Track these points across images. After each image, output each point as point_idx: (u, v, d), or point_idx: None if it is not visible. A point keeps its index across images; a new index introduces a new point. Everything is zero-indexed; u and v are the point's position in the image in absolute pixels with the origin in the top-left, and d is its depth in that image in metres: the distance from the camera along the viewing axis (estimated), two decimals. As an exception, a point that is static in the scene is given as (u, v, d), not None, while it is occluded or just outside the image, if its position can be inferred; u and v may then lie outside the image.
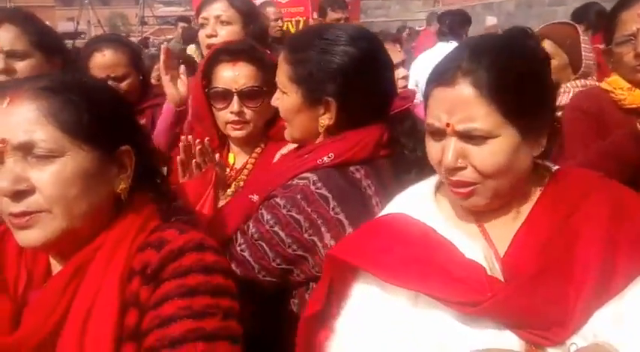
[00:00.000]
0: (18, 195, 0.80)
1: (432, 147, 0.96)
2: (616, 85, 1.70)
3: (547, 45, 2.07)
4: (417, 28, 10.68)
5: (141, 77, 2.09)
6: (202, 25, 1.98)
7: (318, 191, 1.15)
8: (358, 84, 1.19)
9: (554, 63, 1.99)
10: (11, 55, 1.46)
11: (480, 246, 0.95)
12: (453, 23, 4.38)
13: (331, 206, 1.14)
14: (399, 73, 2.11)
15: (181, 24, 7.90)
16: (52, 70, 1.47)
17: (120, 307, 0.80)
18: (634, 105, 1.65)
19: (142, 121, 2.04)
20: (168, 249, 0.83)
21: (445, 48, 4.01)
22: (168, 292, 0.80)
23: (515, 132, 0.90)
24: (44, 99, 0.82)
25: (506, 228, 0.97)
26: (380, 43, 1.29)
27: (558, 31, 2.17)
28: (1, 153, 0.81)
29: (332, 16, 4.01)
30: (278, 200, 1.16)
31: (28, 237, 0.82)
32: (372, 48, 1.23)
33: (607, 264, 0.87)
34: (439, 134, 0.93)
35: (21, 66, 1.47)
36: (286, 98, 1.23)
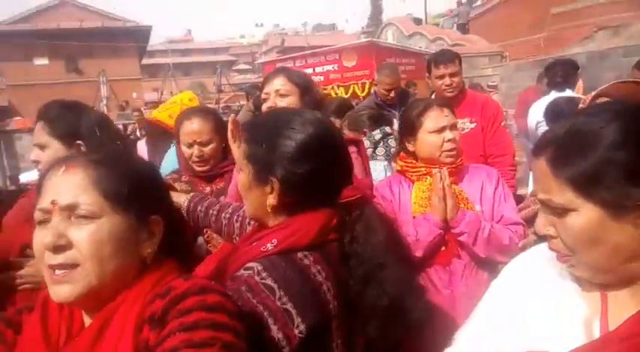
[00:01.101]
0: (58, 249, 0.90)
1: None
2: None
3: None
4: (487, 84, 10.70)
5: (223, 144, 2.25)
6: (264, 100, 2.14)
7: (262, 281, 1.10)
8: (302, 168, 1.18)
9: None
10: (39, 146, 1.74)
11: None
12: (565, 72, 4.36)
13: (277, 296, 1.08)
14: (446, 135, 2.11)
15: (254, 92, 8.36)
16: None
17: None
18: None
19: (221, 184, 2.20)
20: (173, 295, 0.89)
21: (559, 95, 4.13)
22: (171, 329, 0.85)
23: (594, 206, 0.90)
24: (93, 169, 0.95)
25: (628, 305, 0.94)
26: (333, 132, 1.30)
27: (623, 90, 2.08)
28: (49, 212, 0.93)
29: (436, 72, 3.51)
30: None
31: (61, 292, 0.91)
32: (322, 136, 1.23)
33: None
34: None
35: (44, 156, 1.71)
36: (241, 174, 1.26)
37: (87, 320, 0.96)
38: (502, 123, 3.63)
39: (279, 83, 2.10)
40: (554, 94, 4.27)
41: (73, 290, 0.90)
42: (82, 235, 0.91)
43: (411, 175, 2.18)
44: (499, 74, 13.21)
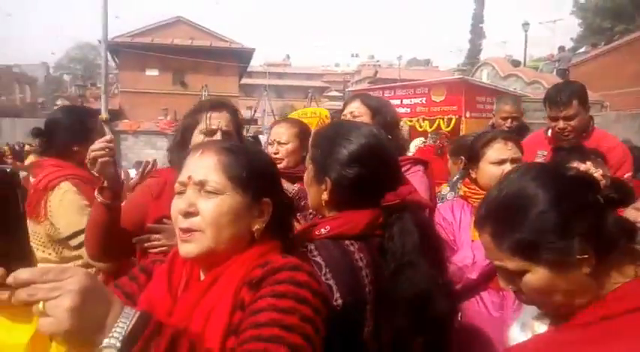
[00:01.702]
0: (187, 215, 1.12)
1: None
2: None
3: None
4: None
5: (304, 153, 2.56)
6: None
7: (313, 258, 1.32)
8: (351, 172, 1.41)
9: None
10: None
11: None
12: None
13: (323, 272, 1.30)
14: (505, 168, 2.15)
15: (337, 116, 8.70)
16: None
17: (230, 309, 1.04)
18: None
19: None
20: (270, 267, 1.07)
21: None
22: (264, 294, 1.02)
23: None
24: (222, 155, 1.17)
25: None
26: (384, 145, 1.51)
27: None
28: (185, 185, 1.15)
29: (550, 113, 3.05)
30: None
31: (187, 249, 1.11)
32: (372, 147, 1.45)
33: None
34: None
35: None
36: (306, 173, 1.53)
37: (202, 276, 1.17)
38: (628, 175, 2.92)
39: (354, 106, 2.44)
40: None
41: (194, 249, 1.11)
42: (208, 206, 1.11)
43: (473, 201, 2.30)
44: (597, 124, 12.64)
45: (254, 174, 1.17)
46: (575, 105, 2.86)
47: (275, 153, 2.50)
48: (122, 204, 1.95)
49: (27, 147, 13.50)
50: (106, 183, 1.74)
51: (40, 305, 0.75)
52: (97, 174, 1.74)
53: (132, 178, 3.31)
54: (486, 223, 1.09)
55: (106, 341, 0.77)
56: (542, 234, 1.01)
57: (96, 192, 1.76)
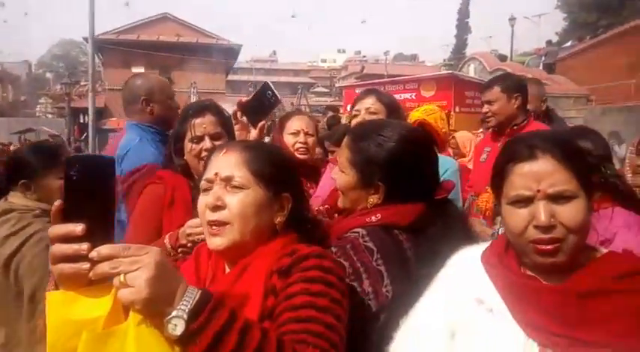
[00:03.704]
0: (215, 208, 1.18)
1: (518, 216, 1.10)
2: None
3: None
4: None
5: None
6: (355, 116, 2.41)
7: (365, 243, 1.34)
8: (403, 174, 1.41)
9: None
10: None
11: None
12: None
13: (375, 257, 1.31)
14: None
15: (330, 113, 8.72)
16: None
17: (263, 295, 1.10)
18: None
19: None
20: (298, 255, 1.13)
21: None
22: (295, 280, 1.09)
23: (584, 193, 1.08)
24: (245, 153, 1.23)
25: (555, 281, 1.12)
26: (427, 142, 1.51)
27: None
28: (212, 182, 1.21)
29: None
30: (333, 248, 1.36)
31: (217, 242, 1.18)
32: (419, 147, 1.47)
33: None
34: (526, 201, 1.09)
35: None
36: (344, 176, 1.48)
37: (227, 269, 1.23)
38: None
39: (369, 102, 2.37)
40: None
41: (223, 241, 1.17)
42: (234, 200, 1.18)
43: None
44: (583, 117, 12.80)
45: (275, 170, 1.24)
46: (496, 90, 3.09)
47: (304, 144, 2.49)
48: (132, 216, 1.94)
49: (12, 147, 13.33)
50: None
51: (121, 277, 0.85)
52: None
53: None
54: (552, 148, 1.10)
55: (174, 312, 0.87)
56: (586, 169, 1.11)
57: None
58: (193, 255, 1.31)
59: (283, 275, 1.11)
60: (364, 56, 74.49)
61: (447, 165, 3.01)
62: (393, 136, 1.44)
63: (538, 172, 1.09)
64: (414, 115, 3.43)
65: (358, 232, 1.38)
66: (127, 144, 2.56)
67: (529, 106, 3.47)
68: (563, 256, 1.08)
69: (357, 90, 10.04)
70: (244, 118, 1.85)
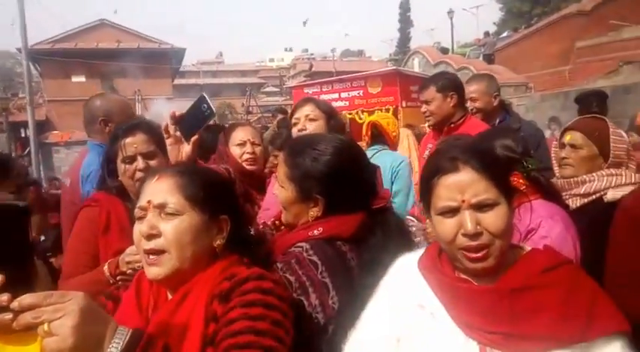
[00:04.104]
0: (150, 237, 1.17)
1: (447, 225, 1.17)
2: None
3: (577, 137, 2.19)
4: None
5: None
6: (295, 124, 2.45)
7: (309, 257, 1.37)
8: (341, 186, 1.45)
9: (582, 153, 2.19)
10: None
11: None
12: (600, 102, 4.61)
13: (319, 270, 1.35)
14: None
15: (280, 115, 8.70)
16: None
17: (204, 322, 1.10)
18: None
19: None
20: (237, 278, 1.14)
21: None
22: (234, 304, 1.10)
23: (505, 199, 1.16)
24: (178, 178, 1.22)
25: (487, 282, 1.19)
26: (361, 153, 1.57)
27: (588, 124, 2.26)
28: (146, 209, 1.20)
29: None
30: (278, 264, 1.39)
31: (154, 272, 1.17)
32: (353, 158, 1.52)
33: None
34: (453, 212, 1.16)
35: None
36: (283, 191, 1.52)
37: (169, 296, 1.22)
38: None
39: (308, 109, 2.44)
40: None
41: (161, 271, 1.16)
42: (169, 227, 1.17)
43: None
44: (524, 104, 13.33)
45: (210, 194, 1.23)
46: (432, 90, 3.20)
47: (252, 154, 2.50)
48: (69, 241, 1.88)
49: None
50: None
51: (45, 326, 0.84)
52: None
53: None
54: (471, 159, 1.17)
55: None
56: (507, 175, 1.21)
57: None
58: (134, 283, 1.28)
59: (223, 300, 1.12)
60: (312, 54, 74.65)
61: (400, 159, 3.16)
62: (328, 149, 1.48)
63: (461, 183, 1.15)
64: (369, 118, 3.53)
65: (302, 246, 1.40)
66: (89, 165, 2.57)
67: (478, 104, 3.61)
68: (493, 260, 1.15)
69: (306, 90, 10.12)
70: (178, 133, 1.82)
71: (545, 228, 1.69)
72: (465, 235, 1.14)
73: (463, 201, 1.15)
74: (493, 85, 3.68)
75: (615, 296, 1.17)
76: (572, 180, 2.17)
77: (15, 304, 0.85)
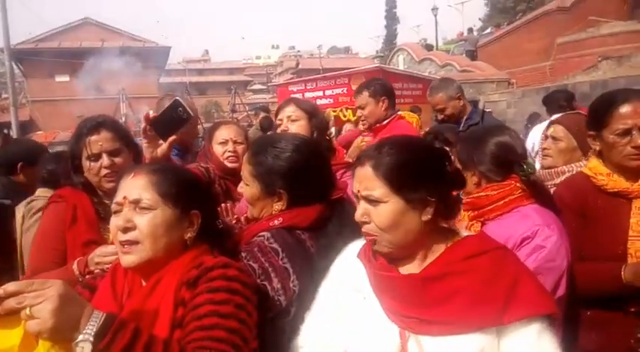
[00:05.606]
0: (126, 230, 1.26)
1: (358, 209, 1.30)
2: (596, 170, 1.88)
3: (559, 130, 2.34)
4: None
5: None
6: (278, 125, 2.56)
7: (270, 245, 1.48)
8: (301, 180, 1.56)
9: (561, 145, 2.33)
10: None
11: None
12: (566, 99, 4.94)
13: (280, 256, 1.46)
14: None
15: (263, 114, 8.78)
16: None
17: (173, 307, 1.21)
18: (615, 190, 1.83)
19: None
20: (204, 267, 1.24)
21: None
22: (201, 290, 1.20)
23: (399, 199, 1.23)
24: (153, 175, 1.32)
25: (413, 270, 1.28)
26: (319, 149, 1.68)
27: (571, 118, 2.44)
28: (122, 205, 1.29)
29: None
30: (243, 253, 1.49)
31: (128, 260, 1.26)
32: (312, 154, 1.63)
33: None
34: (357, 199, 1.30)
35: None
36: (248, 188, 1.63)
37: (143, 283, 1.31)
38: None
39: (290, 110, 2.53)
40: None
41: (134, 259, 1.26)
42: (143, 221, 1.27)
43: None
44: (506, 100, 13.51)
45: (183, 190, 1.33)
46: (364, 95, 3.36)
47: (233, 152, 2.55)
48: (35, 237, 1.89)
49: None
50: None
51: (28, 310, 0.94)
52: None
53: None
54: (371, 159, 1.27)
55: (81, 337, 0.97)
56: (414, 179, 1.24)
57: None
58: (110, 272, 1.39)
59: (191, 286, 1.22)
60: (298, 51, 74.57)
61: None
62: (288, 147, 1.59)
63: (358, 177, 1.29)
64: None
65: (264, 235, 1.51)
66: None
67: (447, 111, 3.64)
68: (384, 248, 1.27)
69: (291, 88, 10.20)
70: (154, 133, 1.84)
71: (541, 237, 1.67)
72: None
73: (359, 192, 1.28)
74: (453, 88, 3.73)
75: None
76: (552, 170, 2.30)
77: (0, 291, 0.95)
